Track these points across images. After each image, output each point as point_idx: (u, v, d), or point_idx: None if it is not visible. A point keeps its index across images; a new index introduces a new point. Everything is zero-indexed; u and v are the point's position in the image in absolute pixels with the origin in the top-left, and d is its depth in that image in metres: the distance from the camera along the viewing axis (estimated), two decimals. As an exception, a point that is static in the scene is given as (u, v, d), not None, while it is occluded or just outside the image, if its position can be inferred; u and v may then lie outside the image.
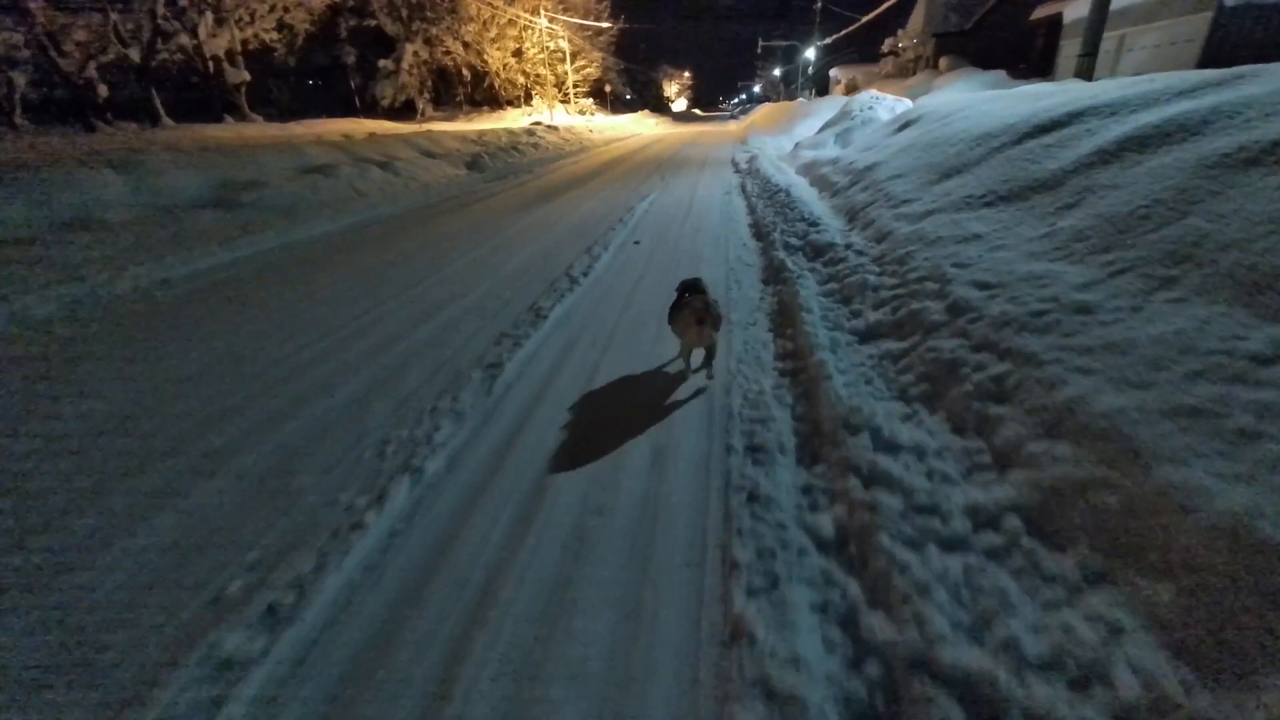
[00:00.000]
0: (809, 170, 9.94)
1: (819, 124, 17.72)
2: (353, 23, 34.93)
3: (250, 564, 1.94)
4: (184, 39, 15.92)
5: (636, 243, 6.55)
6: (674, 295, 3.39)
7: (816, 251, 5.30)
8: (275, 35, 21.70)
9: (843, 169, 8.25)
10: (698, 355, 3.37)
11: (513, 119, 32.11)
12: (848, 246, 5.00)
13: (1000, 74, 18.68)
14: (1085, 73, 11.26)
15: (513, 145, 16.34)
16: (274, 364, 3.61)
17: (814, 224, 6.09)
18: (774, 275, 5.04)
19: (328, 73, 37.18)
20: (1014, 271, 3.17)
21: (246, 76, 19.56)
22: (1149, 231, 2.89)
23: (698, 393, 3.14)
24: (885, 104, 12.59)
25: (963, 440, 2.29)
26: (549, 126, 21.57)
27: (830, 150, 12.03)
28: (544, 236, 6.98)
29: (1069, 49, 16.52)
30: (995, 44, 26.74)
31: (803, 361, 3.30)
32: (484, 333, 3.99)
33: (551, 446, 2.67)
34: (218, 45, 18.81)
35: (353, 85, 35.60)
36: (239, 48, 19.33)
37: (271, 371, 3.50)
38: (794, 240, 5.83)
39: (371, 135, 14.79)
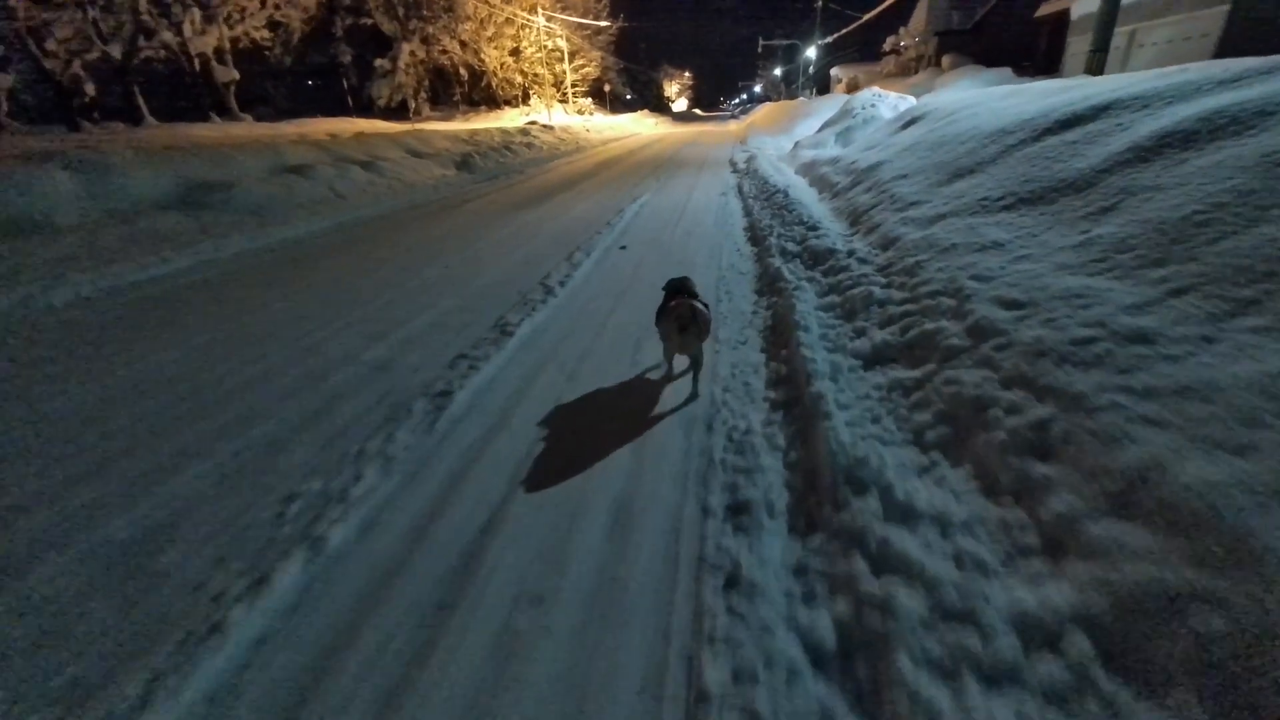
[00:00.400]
0: (808, 170, 9.46)
1: (819, 123, 17.24)
2: (349, 21, 34.54)
3: (56, 696, 1.46)
4: (167, 36, 15.46)
5: (623, 248, 6.07)
6: (662, 298, 3.15)
7: (815, 258, 4.82)
8: (267, 34, 21.21)
9: (844, 169, 7.77)
10: (681, 361, 3.17)
11: (510, 119, 31.64)
12: (850, 254, 4.52)
13: (1005, 71, 18.17)
14: (1096, 69, 10.78)
15: (505, 145, 15.87)
16: (195, 393, 3.15)
17: (813, 228, 5.61)
18: (769, 285, 4.56)
19: (325, 72, 36.74)
20: (1046, 287, 2.69)
21: (235, 75, 19.10)
22: (1211, 242, 2.41)
23: (674, 426, 2.67)
24: (888, 102, 12.11)
25: (999, 509, 1.81)
26: (544, 126, 21.10)
27: (830, 149, 11.56)
28: (527, 242, 6.51)
29: (1076, 45, 16.02)
30: (998, 42, 26.22)
31: (798, 391, 2.83)
32: (441, 353, 3.52)
33: (493, 502, 2.20)
34: (206, 43, 18.36)
35: (350, 85, 35.17)
36: (228, 46, 18.87)
37: (188, 402, 3.03)
38: (791, 246, 5.36)
39: (360, 135, 14.34)
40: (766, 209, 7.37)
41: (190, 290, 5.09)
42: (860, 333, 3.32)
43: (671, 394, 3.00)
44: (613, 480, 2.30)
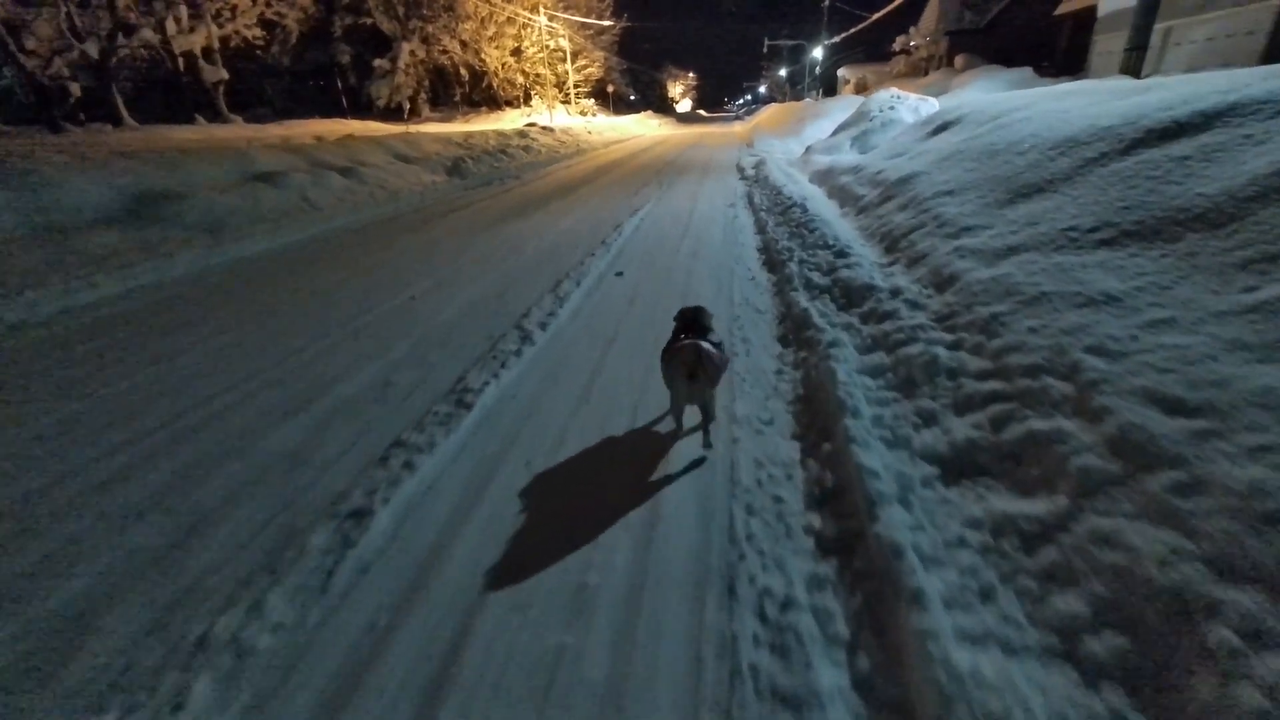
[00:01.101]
0: (825, 179, 8.58)
1: (831, 126, 16.34)
2: (348, 21, 33.76)
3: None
4: (148, 34, 14.66)
5: (619, 274, 5.21)
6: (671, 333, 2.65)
7: (849, 295, 3.95)
8: (259, 33, 20.41)
9: (868, 179, 6.89)
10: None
11: (511, 120, 30.80)
12: (895, 293, 3.65)
13: (1025, 72, 17.23)
14: (1132, 68, 9.89)
15: (501, 148, 15.02)
16: None
17: (842, 253, 4.73)
18: (794, 330, 3.69)
19: (324, 73, 35.99)
20: (1226, 380, 1.82)
21: (224, 75, 18.30)
22: None
23: (679, 588, 1.80)
24: (908, 104, 11.20)
25: None
26: (543, 128, 20.24)
27: (848, 155, 10.66)
28: (509, 262, 5.65)
29: (1104, 44, 15.07)
30: (1013, 41, 25.25)
31: (855, 522, 1.96)
32: (371, 439, 2.66)
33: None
34: (193, 41, 17.56)
35: (347, 85, 34.38)
36: (216, 45, 18.07)
37: None
38: (817, 276, 4.49)
39: (348, 137, 13.51)
40: (782, 225, 6.49)
41: (104, 327, 4.25)
42: (928, 418, 2.45)
43: (676, 513, 2.13)
44: (572, 709, 1.44)
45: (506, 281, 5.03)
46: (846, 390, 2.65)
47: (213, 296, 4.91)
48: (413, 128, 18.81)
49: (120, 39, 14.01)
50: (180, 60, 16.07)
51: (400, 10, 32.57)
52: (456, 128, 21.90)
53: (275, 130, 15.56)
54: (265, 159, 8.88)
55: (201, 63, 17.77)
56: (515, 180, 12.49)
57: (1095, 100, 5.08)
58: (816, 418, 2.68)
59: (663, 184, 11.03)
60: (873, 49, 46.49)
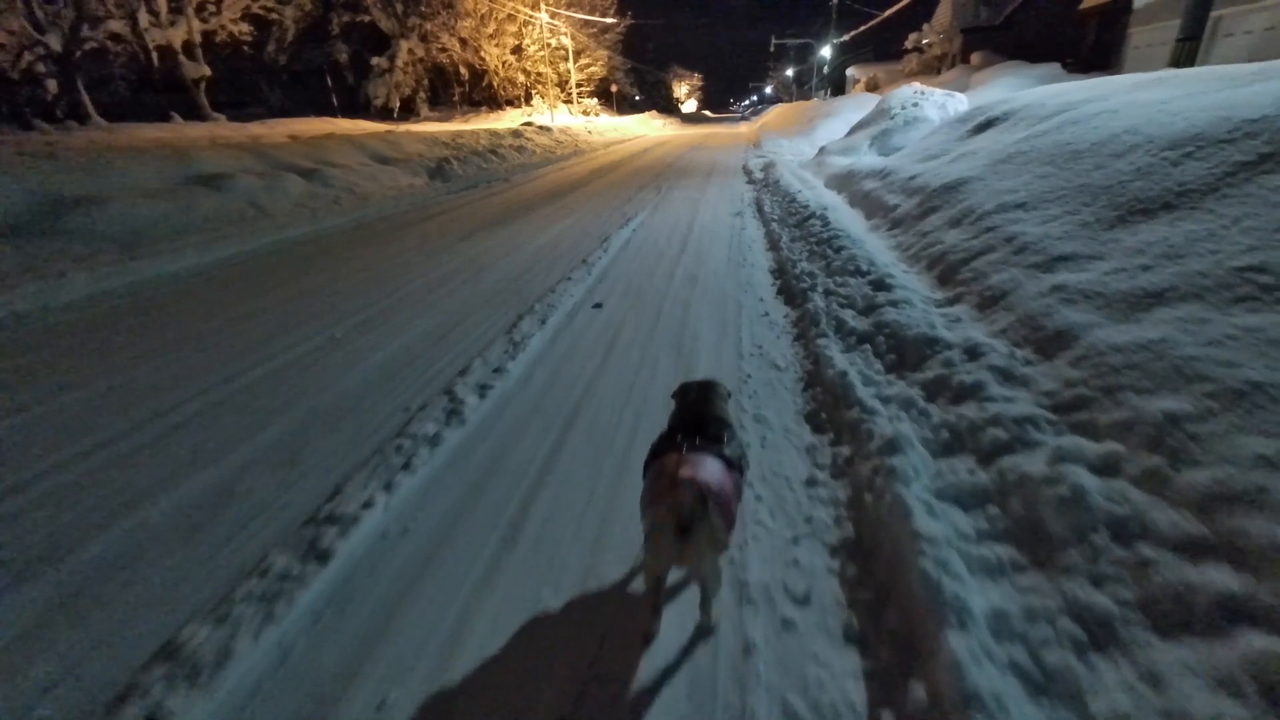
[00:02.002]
0: (845, 184, 7.47)
1: (844, 125, 15.23)
2: (346, 18, 32.80)
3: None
4: (116, 25, 13.66)
5: (597, 306, 4.13)
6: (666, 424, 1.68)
7: (901, 350, 2.86)
8: (245, 28, 19.42)
9: (901, 185, 5.78)
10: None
11: (511, 120, 29.75)
12: (972, 353, 2.54)
13: (1052, 68, 16.03)
14: (1185, 60, 8.76)
15: (492, 149, 13.96)
16: None
17: (881, 284, 3.63)
18: (830, 405, 2.60)
19: (322, 72, 35.04)
20: None
21: (206, 71, 17.30)
22: None
23: None
24: (933, 100, 10.08)
25: None
26: (540, 127, 19.18)
27: (868, 157, 9.55)
28: (468, 289, 4.58)
29: (1141, 37, 13.89)
30: (1032, 38, 24.02)
31: None
32: (144, 630, 1.60)
33: None
34: (172, 36, 16.58)
35: (345, 84, 33.42)
36: (198, 40, 17.08)
37: None
38: (851, 316, 3.39)
39: (328, 136, 12.47)
40: (799, 241, 5.40)
41: (-88, 383, 3.20)
42: (1103, 627, 1.36)
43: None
44: None
45: (457, 315, 3.96)
46: (935, 554, 1.56)
47: (74, 336, 3.85)
48: (401, 127, 17.78)
49: (85, 30, 13.03)
50: (155, 55, 15.06)
51: (399, 7, 31.58)
52: (451, 127, 20.87)
53: (255, 129, 14.55)
54: (214, 159, 7.84)
55: (182, 58, 16.77)
56: (503, 183, 11.43)
57: (1196, 90, 3.97)
58: (884, 596, 1.59)
59: (662, 188, 9.94)
60: (882, 48, 45.23)
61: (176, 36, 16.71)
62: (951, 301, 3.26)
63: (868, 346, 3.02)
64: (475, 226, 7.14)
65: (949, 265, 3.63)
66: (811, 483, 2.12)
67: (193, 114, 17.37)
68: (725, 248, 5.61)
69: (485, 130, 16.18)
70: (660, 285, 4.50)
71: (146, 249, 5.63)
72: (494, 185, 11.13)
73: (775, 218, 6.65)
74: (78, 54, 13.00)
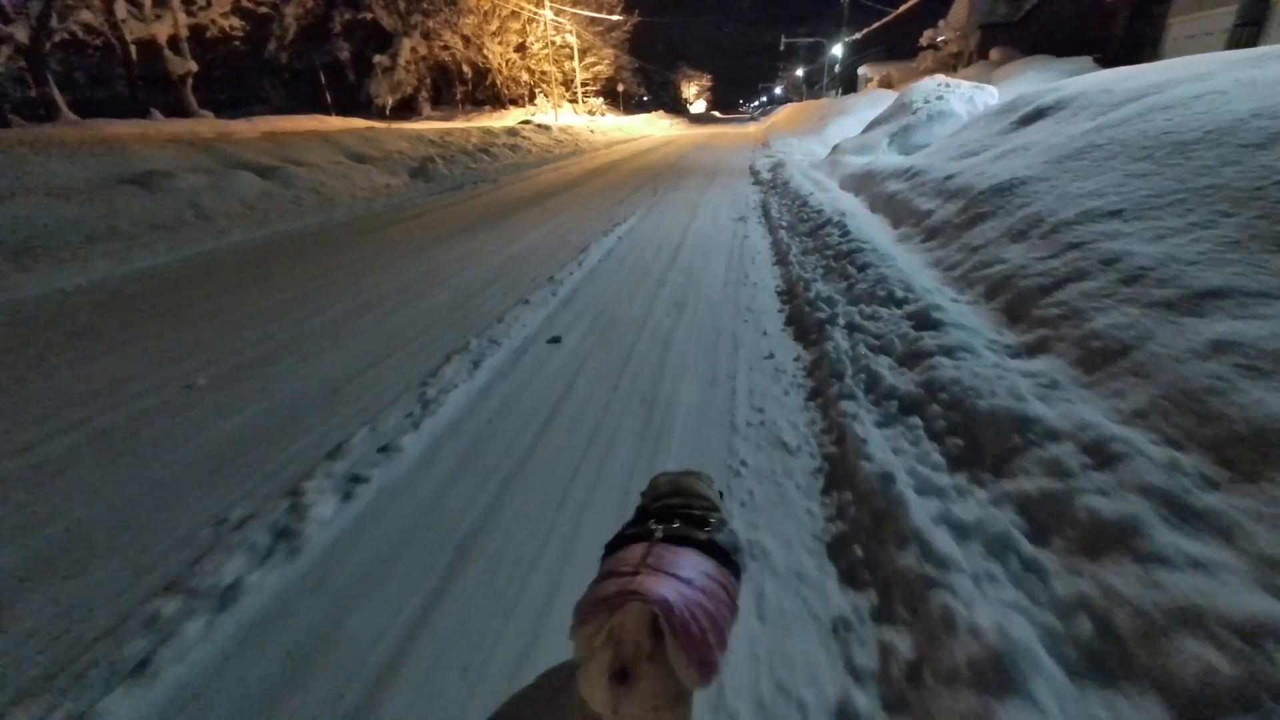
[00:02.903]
0: (864, 185, 6.50)
1: (858, 123, 14.22)
2: (348, 16, 32.11)
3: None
4: (89, 16, 12.90)
5: (555, 340, 3.19)
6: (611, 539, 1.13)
7: (971, 433, 1.90)
8: (236, 23, 18.66)
9: (934, 187, 4.81)
10: None
11: (513, 119, 28.91)
12: (1100, 456, 1.58)
13: (1083, 61, 14.92)
14: (1245, 47, 7.76)
15: (483, 148, 13.07)
16: None
17: (924, 317, 2.67)
18: (866, 533, 1.65)
19: (328, 70, 34.38)
20: None
21: (193, 66, 16.52)
22: None
23: None
24: (959, 93, 9.07)
25: None
26: (539, 126, 18.28)
27: (888, 156, 8.56)
28: (398, 316, 3.67)
29: (1182, 28, 12.77)
30: (1053, 33, 22.80)
31: None
32: None
33: None
34: (158, 30, 15.83)
35: (348, 82, 32.72)
36: (184, 34, 16.32)
37: None
38: (888, 369, 2.44)
39: (308, 132, 11.61)
40: (813, 253, 4.44)
41: None
42: None
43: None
44: None
45: (370, 355, 3.04)
46: None
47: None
48: (395, 125, 16.94)
49: (55, 22, 12.28)
50: (133, 48, 14.29)
51: (401, 4, 30.83)
52: (451, 125, 19.99)
53: (236, 126, 13.74)
54: (157, 156, 6.99)
55: (167, 53, 16.02)
56: (491, 184, 10.54)
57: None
58: None
59: (659, 189, 8.99)
60: (894, 47, 43.95)
61: (161, 30, 15.95)
62: (1032, 350, 2.30)
63: (917, 421, 2.07)
64: (446, 232, 6.24)
65: (1019, 295, 2.66)
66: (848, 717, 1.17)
67: (179, 111, 16.62)
68: (723, 262, 4.66)
69: (479, 128, 15.31)
70: (638, 312, 3.56)
71: (44, 259, 4.78)
72: (480, 186, 10.23)
73: (784, 224, 5.69)
74: (47, 46, 12.27)
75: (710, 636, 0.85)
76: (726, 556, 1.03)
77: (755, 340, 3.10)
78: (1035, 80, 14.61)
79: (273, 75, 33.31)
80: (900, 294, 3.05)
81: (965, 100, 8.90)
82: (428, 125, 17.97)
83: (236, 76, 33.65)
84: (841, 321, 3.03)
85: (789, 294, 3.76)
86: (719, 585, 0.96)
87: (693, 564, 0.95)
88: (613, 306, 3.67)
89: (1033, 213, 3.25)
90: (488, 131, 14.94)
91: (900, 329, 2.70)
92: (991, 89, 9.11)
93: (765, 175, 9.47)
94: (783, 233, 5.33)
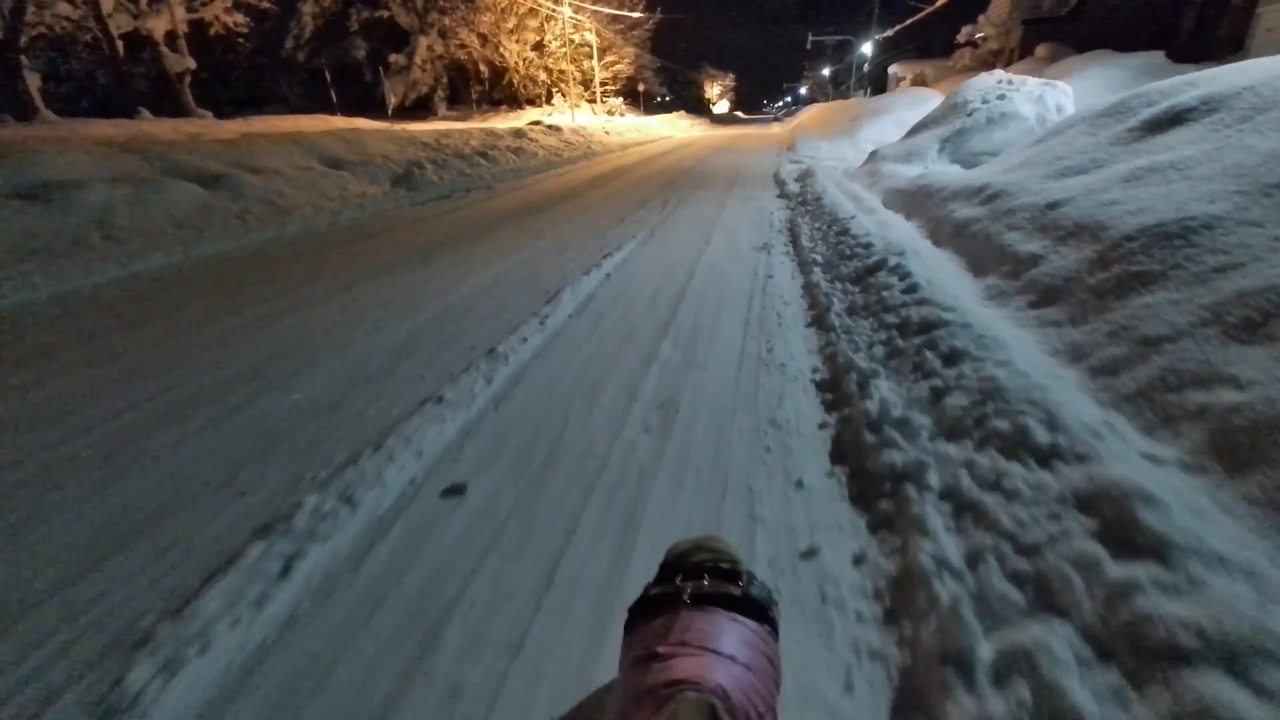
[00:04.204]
0: (918, 205, 5.13)
1: (895, 125, 12.75)
2: (365, 14, 31.30)
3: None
4: (65, 8, 12.00)
5: (453, 492, 1.92)
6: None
7: None
8: (240, 19, 17.80)
9: (1030, 217, 3.43)
10: None
11: (529, 119, 27.79)
12: None
13: (1153, 57, 13.20)
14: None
15: (483, 151, 11.89)
16: None
17: (1126, 522, 1.34)
18: None
19: (343, 68, 33.65)
20: None
21: (190, 64, 15.65)
22: None
23: None
24: (1025, 91, 7.58)
25: None
26: (549, 127, 17.06)
27: (941, 166, 7.17)
28: (207, 439, 2.44)
29: (1275, 17, 11.04)
30: (1106, 28, 20.84)
31: None
32: None
33: None
34: (154, 25, 14.99)
35: (364, 81, 31.93)
36: (182, 30, 15.46)
37: None
38: (1075, 676, 1.11)
39: (281, 135, 10.54)
40: (865, 314, 3.10)
41: None
42: None
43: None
44: None
45: (103, 547, 1.81)
46: None
47: None
48: (398, 125, 15.89)
49: (30, 15, 11.42)
50: (120, 44, 13.41)
51: (418, 2, 29.91)
52: (462, 125, 18.89)
53: (230, 126, 12.78)
54: (77, 163, 5.89)
55: (163, 49, 15.16)
56: (484, 192, 9.34)
57: None
58: None
59: (669, 202, 7.69)
60: (925, 45, 41.83)
61: (157, 26, 15.10)
62: None
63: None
64: (397, 258, 5.04)
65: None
66: None
67: (176, 111, 15.77)
68: (739, 321, 3.35)
69: (482, 129, 14.14)
70: (601, 429, 2.27)
71: None
72: (471, 195, 9.03)
73: (818, 258, 4.36)
74: (22, 40, 11.41)
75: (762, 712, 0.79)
76: (763, 613, 0.94)
77: (783, 504, 1.79)
78: (1102, 78, 12.91)
79: (290, 74, 32.66)
80: (1042, 435, 1.72)
81: (1033, 100, 7.43)
82: (435, 125, 16.91)
83: (255, 75, 33.13)
84: (934, 481, 1.72)
85: (835, 395, 2.44)
86: (764, 657, 0.88)
87: (733, 635, 0.87)
88: (564, 413, 2.39)
89: (1262, 283, 1.89)
90: (491, 133, 13.77)
91: (1081, 546, 1.37)
92: (1065, 87, 7.60)
93: (792, 186, 8.10)
94: (818, 273, 4.00)
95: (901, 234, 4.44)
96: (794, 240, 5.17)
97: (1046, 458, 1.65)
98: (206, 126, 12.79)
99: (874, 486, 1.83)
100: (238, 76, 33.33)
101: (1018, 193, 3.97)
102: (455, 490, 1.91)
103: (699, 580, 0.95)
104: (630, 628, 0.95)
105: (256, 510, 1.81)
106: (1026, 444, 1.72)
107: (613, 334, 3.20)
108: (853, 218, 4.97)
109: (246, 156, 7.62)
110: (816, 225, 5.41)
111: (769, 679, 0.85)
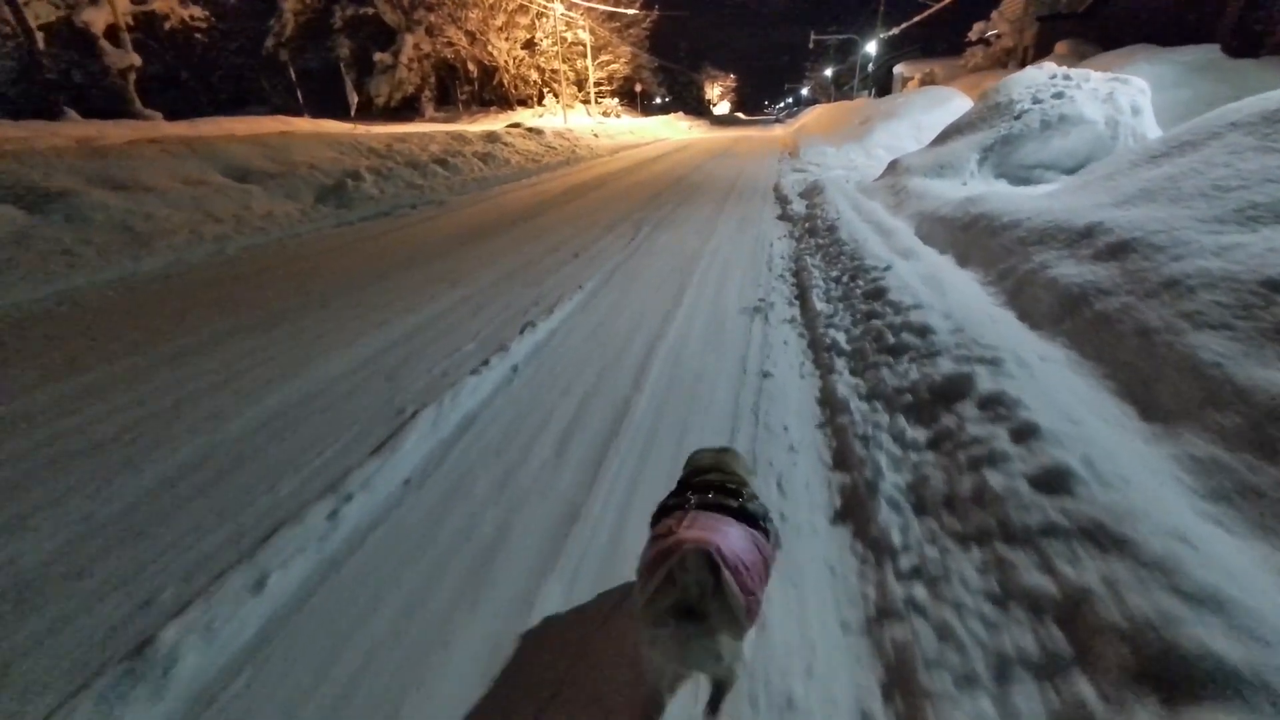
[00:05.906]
0: (974, 243, 3.52)
1: (911, 128, 11.14)
2: (350, 12, 29.71)
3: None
4: (-33, -3, 10.50)
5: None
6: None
7: None
8: (197, 12, 16.23)
9: (1228, 301, 1.84)
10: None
11: (520, 120, 26.19)
12: None
13: (1207, 51, 11.52)
14: None
15: (442, 158, 10.31)
16: None
17: None
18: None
19: (331, 68, 32.00)
20: None
21: (135, 60, 14.10)
22: None
23: None
24: (1089, 89, 5.97)
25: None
26: (530, 130, 15.46)
27: (985, 183, 5.58)
28: None
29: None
30: (1128, 25, 19.14)
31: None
32: None
33: None
34: (93, 17, 13.44)
35: (351, 81, 30.34)
36: (126, 22, 13.91)
37: None
38: None
39: (183, 139, 8.95)
40: (948, 512, 1.50)
41: None
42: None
43: None
44: None
45: None
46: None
47: None
48: (360, 128, 14.34)
49: (-77, 2, 9.91)
50: (40, 36, 11.87)
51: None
52: (448, 128, 17.32)
53: (170, 129, 11.24)
54: None
55: (103, 44, 13.62)
56: (433, 208, 7.78)
57: None
58: None
59: (642, 227, 6.11)
60: (931, 44, 40.11)
61: (97, 18, 13.54)
62: None
63: None
64: (236, 325, 3.47)
65: None
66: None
67: (119, 112, 14.20)
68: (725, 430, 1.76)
69: (447, 133, 12.53)
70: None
71: None
72: (416, 213, 7.47)
73: (842, 339, 2.77)
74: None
75: (752, 579, 1.00)
76: (756, 523, 1.16)
77: None
78: (1150, 74, 11.26)
79: (273, 74, 31.04)
80: None
81: (1100, 99, 5.82)
82: (409, 128, 15.37)
83: (237, 75, 31.53)
84: None
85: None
86: (756, 550, 1.09)
87: (732, 529, 1.09)
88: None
89: None
90: (458, 137, 12.17)
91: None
92: (1140, 83, 6.00)
93: (797, 205, 6.51)
94: (843, 382, 2.42)
95: (965, 300, 2.85)
96: (801, 295, 3.59)
97: None
98: (140, 129, 11.22)
99: None
100: (220, 77, 31.79)
101: (1173, 247, 2.39)
102: None
103: (705, 495, 1.19)
104: (652, 526, 1.17)
105: None
106: None
107: (459, 551, 1.62)
108: (887, 269, 3.38)
109: (119, 169, 6.05)
110: (833, 273, 3.82)
111: (760, 566, 1.08)
